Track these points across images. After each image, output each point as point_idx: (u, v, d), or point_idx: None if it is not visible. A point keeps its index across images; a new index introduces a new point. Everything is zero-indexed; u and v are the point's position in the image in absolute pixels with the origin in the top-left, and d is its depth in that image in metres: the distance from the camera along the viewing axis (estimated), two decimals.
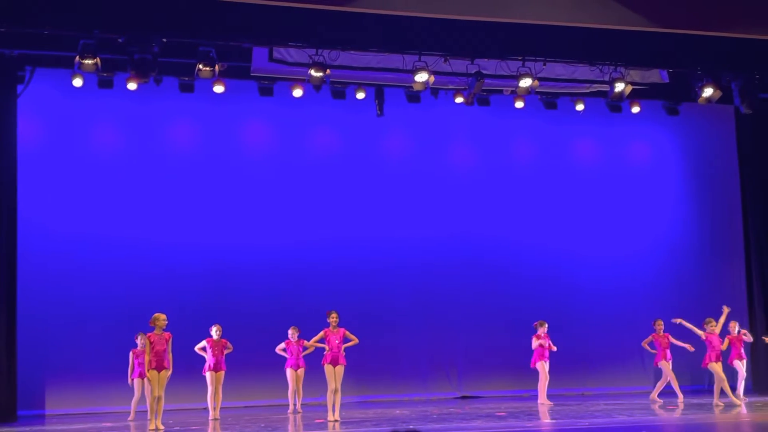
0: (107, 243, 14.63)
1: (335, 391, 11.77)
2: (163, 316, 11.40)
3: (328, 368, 11.79)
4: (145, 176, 15.02)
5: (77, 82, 13.68)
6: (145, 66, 12.07)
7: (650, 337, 14.17)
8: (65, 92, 14.28)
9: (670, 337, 14.05)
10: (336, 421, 11.66)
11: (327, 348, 11.82)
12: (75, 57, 12.27)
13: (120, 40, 12.08)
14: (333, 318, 11.86)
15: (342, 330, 11.89)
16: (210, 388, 12.69)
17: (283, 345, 13.40)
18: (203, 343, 12.78)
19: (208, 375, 12.70)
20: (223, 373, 12.76)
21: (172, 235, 14.93)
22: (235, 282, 15.05)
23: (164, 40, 12.16)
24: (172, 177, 15.14)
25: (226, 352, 12.85)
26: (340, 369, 11.81)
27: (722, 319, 13.45)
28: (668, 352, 14.04)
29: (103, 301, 14.44)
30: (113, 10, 11.83)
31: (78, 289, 14.40)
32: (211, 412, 12.68)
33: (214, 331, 12.76)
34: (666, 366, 14.00)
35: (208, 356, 12.72)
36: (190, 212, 15.10)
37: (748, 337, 13.88)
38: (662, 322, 14.11)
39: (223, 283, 14.99)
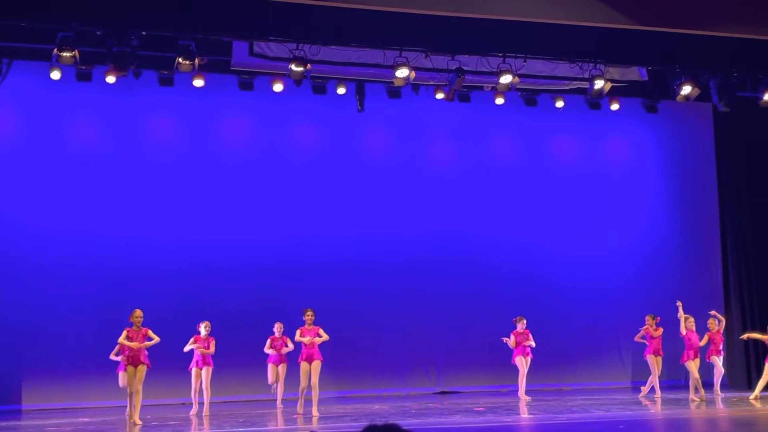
0: (85, 237, 14.52)
1: (309, 387, 11.90)
2: (138, 313, 11.46)
3: (303, 365, 11.90)
4: (124, 170, 14.91)
5: (55, 74, 13.53)
6: (124, 59, 11.98)
7: (642, 331, 14.23)
8: (43, 85, 14.13)
9: (652, 330, 14.08)
10: (314, 416, 11.67)
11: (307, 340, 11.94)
12: (53, 49, 12.15)
13: (98, 33, 11.98)
14: (308, 316, 12.08)
15: (316, 328, 11.99)
16: (194, 385, 12.61)
17: (269, 342, 13.29)
18: (192, 340, 12.66)
19: (193, 371, 12.62)
20: (210, 369, 12.64)
21: (150, 229, 14.84)
22: (214, 278, 14.97)
23: (143, 33, 12.07)
24: (151, 171, 15.05)
25: (204, 351, 12.60)
26: (316, 365, 11.89)
27: (681, 314, 13.65)
28: (660, 347, 14.09)
29: (80, 297, 14.33)
30: (92, 3, 11.72)
31: (55, 284, 14.28)
32: (195, 407, 12.60)
33: (203, 328, 12.67)
34: (653, 360, 14.03)
35: (195, 353, 12.62)
36: (170, 207, 15.02)
37: (721, 318, 14.10)
38: (651, 317, 14.16)
39: (202, 279, 14.91)
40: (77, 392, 14.06)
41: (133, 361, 11.31)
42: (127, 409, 11.75)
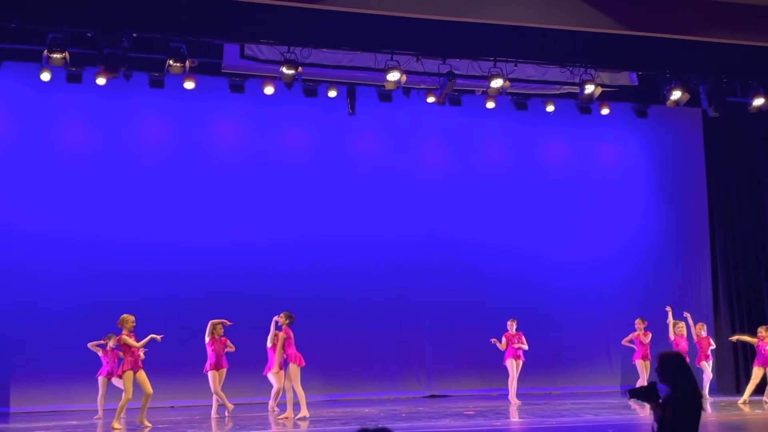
0: (73, 240, 14.46)
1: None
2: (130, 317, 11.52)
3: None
4: (113, 173, 14.86)
5: (45, 76, 13.48)
6: (114, 61, 11.93)
7: (631, 335, 14.26)
8: (33, 86, 14.08)
9: (642, 336, 14.12)
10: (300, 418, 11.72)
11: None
12: (43, 51, 12.11)
13: (89, 35, 11.94)
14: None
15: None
16: (212, 387, 12.59)
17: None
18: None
19: (210, 373, 12.60)
20: (224, 370, 12.65)
21: (140, 232, 14.79)
22: (203, 280, 14.92)
23: (134, 34, 12.03)
24: (140, 174, 15.00)
25: (227, 350, 12.73)
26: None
27: (670, 319, 13.70)
28: (648, 351, 14.13)
29: (69, 299, 14.27)
30: (83, 4, 11.69)
31: (43, 286, 14.21)
32: (228, 406, 12.66)
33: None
34: (641, 364, 14.07)
35: (211, 355, 12.60)
36: (159, 210, 14.97)
37: (691, 323, 14.18)
38: (641, 321, 14.20)
39: (192, 281, 14.86)
40: (65, 395, 13.99)
41: (135, 366, 11.45)
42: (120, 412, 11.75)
